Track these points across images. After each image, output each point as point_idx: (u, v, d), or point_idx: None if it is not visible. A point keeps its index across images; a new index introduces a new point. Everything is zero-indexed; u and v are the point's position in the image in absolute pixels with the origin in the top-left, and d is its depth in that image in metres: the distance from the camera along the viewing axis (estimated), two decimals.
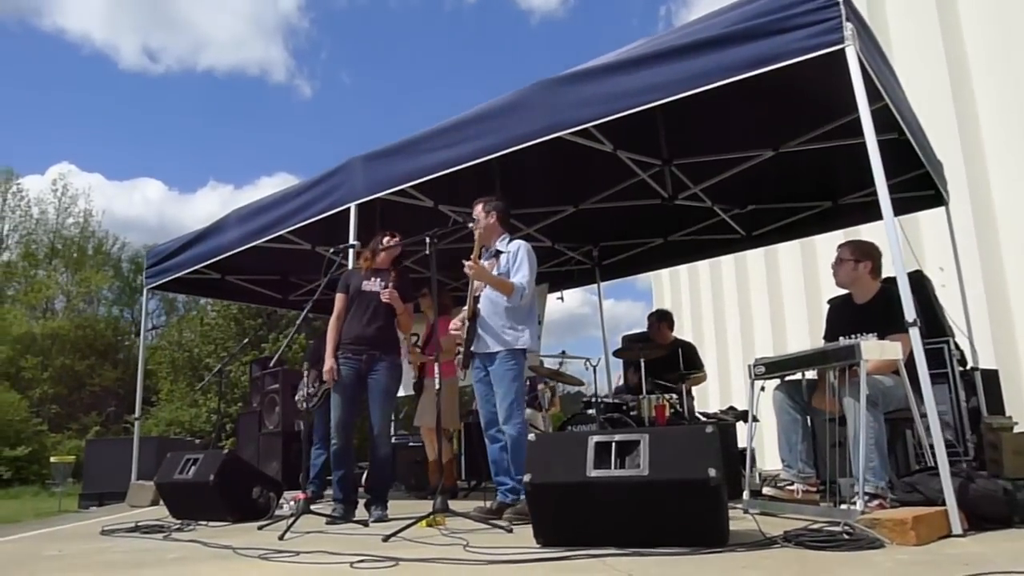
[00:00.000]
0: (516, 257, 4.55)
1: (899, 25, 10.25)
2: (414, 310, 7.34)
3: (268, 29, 52.39)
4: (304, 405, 6.50)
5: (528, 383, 7.09)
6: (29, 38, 43.19)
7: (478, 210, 4.74)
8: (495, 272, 4.57)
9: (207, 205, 47.86)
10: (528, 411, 6.34)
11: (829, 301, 4.78)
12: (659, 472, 3.01)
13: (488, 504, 4.49)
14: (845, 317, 4.40)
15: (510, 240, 4.70)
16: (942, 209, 6.31)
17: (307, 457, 5.57)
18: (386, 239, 5.06)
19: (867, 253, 4.40)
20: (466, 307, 4.61)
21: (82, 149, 49.92)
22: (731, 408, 7.05)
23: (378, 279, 4.98)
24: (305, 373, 5.72)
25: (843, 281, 4.47)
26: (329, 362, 4.88)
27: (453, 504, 4.45)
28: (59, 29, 49.05)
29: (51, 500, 11.85)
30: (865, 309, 4.33)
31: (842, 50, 3.56)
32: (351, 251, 5.32)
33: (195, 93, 50.41)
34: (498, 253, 4.67)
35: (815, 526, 3.16)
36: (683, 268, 15.11)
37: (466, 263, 4.36)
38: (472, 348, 4.59)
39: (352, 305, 4.98)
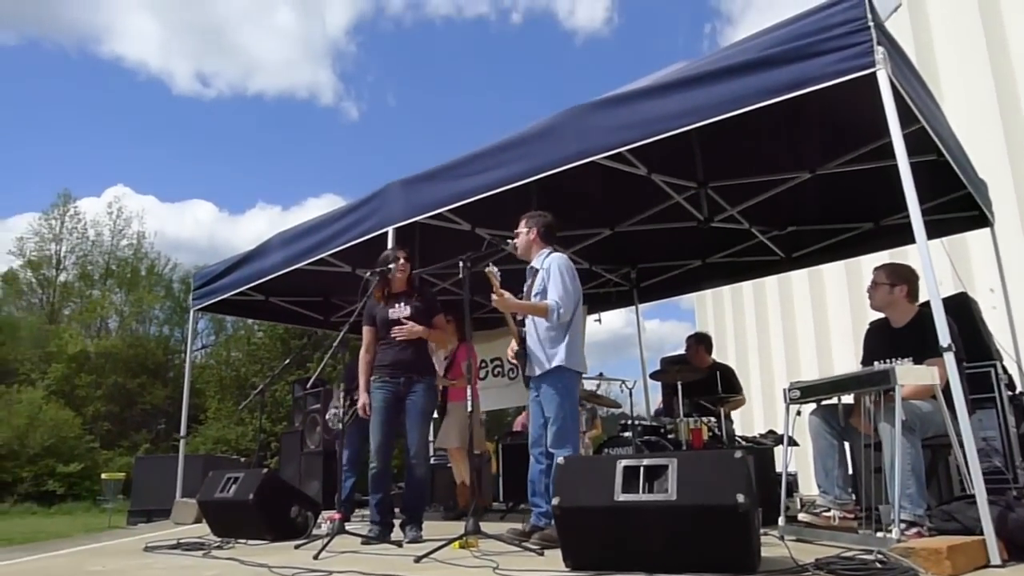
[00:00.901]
0: (549, 274, 4.45)
1: (944, 45, 10.12)
2: None
3: (317, 53, 53.68)
4: (334, 424, 6.61)
5: None
6: (88, 65, 45.00)
7: (520, 225, 4.71)
8: (533, 292, 4.53)
9: (256, 226, 48.98)
10: None
11: (870, 324, 4.71)
12: (687, 497, 3.00)
13: (523, 526, 4.50)
14: (882, 341, 4.33)
15: (547, 256, 4.59)
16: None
17: (347, 478, 5.65)
18: (401, 256, 5.07)
19: (903, 277, 4.33)
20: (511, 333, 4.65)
21: (137, 172, 51.61)
22: (771, 432, 6.96)
23: (402, 303, 5.02)
24: (339, 393, 5.80)
25: (879, 305, 4.41)
26: (363, 397, 4.94)
27: (490, 525, 4.47)
28: (117, 56, 51.09)
29: (101, 516, 12.19)
30: (902, 333, 4.26)
31: (873, 73, 3.55)
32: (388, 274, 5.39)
33: (245, 116, 51.83)
34: (535, 271, 4.60)
35: (848, 554, 3.11)
36: (726, 289, 15.00)
37: (493, 296, 4.31)
38: (527, 373, 4.58)
39: (382, 334, 5.01)
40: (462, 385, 6.12)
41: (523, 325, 4.59)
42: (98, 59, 45.85)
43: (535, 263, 4.64)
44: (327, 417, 6.88)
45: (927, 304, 4.11)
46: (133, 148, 48.35)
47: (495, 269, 4.26)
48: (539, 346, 4.46)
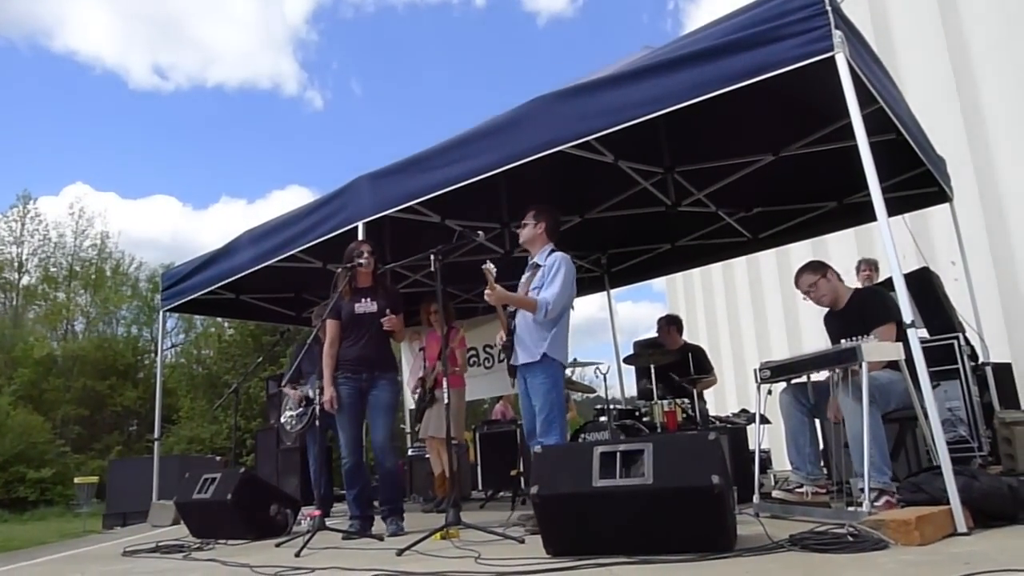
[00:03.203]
0: (551, 271, 4.55)
1: (901, 22, 10.25)
2: (418, 323, 7.44)
3: (278, 42, 52.83)
4: (291, 426, 6.58)
5: None
6: (40, 60, 43.80)
7: (528, 217, 4.78)
8: (532, 286, 4.61)
9: (220, 220, 48.27)
10: None
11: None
12: (663, 480, 3.06)
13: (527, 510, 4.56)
14: (834, 326, 4.51)
15: (550, 252, 4.68)
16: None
17: (318, 475, 5.66)
18: (365, 250, 5.07)
19: (822, 265, 4.59)
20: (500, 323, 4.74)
21: (96, 169, 50.51)
22: (743, 411, 7.08)
23: (368, 298, 5.05)
24: (289, 394, 5.79)
25: (832, 298, 4.58)
26: (329, 391, 4.91)
27: (470, 515, 4.50)
28: (70, 51, 49.73)
29: (76, 521, 12.06)
30: (844, 315, 4.46)
31: (832, 57, 3.61)
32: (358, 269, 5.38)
33: (206, 109, 50.93)
34: (537, 267, 4.69)
35: (821, 528, 3.19)
36: (696, 271, 15.09)
37: (487, 292, 4.40)
38: (512, 362, 4.68)
39: (347, 329, 5.02)
40: (452, 371, 6.16)
41: (513, 317, 4.67)
42: (51, 54, 44.68)
43: (538, 258, 4.73)
44: (282, 421, 6.84)
45: (885, 282, 4.25)
46: (91, 145, 47.47)
47: (492, 267, 4.32)
48: (528, 336, 4.55)
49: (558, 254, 4.64)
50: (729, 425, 6.24)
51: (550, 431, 4.38)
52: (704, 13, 52.46)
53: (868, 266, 7.39)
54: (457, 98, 58.14)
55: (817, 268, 4.57)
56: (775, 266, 13.21)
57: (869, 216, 6.49)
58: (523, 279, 4.75)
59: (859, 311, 4.28)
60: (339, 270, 5.06)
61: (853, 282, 6.21)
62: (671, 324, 7.20)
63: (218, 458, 13.06)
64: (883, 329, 3.90)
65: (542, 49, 59.97)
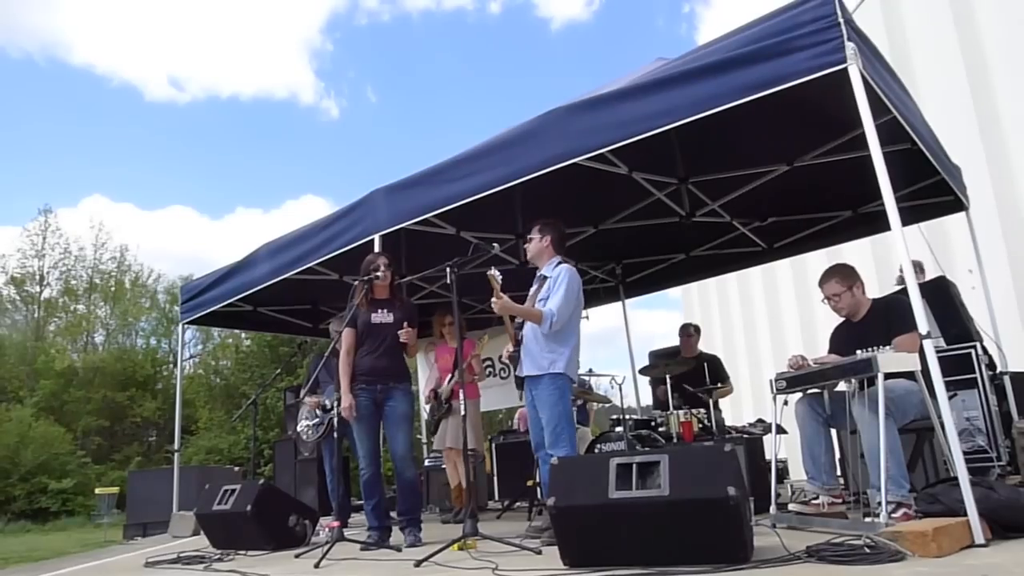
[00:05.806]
0: (556, 282, 4.60)
1: (915, 30, 10.24)
2: (428, 334, 7.47)
3: (294, 52, 52.90)
4: (308, 436, 6.64)
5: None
6: (58, 73, 43.93)
7: (533, 232, 4.85)
8: (539, 298, 4.65)
9: (237, 231, 48.33)
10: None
11: (837, 326, 4.80)
12: (679, 492, 3.07)
13: (541, 523, 4.57)
14: (847, 336, 4.46)
15: (557, 264, 4.75)
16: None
17: (339, 485, 5.69)
18: (382, 263, 5.12)
19: (854, 275, 4.53)
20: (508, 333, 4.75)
21: (113, 180, 50.12)
22: (760, 421, 7.08)
23: (385, 310, 5.11)
24: (305, 404, 5.84)
25: (851, 311, 4.53)
26: (347, 399, 4.96)
27: (486, 525, 4.52)
28: (88, 64, 49.95)
29: (96, 531, 12.16)
30: (863, 325, 4.42)
31: (845, 69, 3.63)
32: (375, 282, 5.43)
33: (221, 119, 51.09)
34: (544, 279, 4.73)
35: (837, 540, 3.19)
36: (711, 280, 15.07)
37: (493, 301, 4.42)
38: (517, 373, 4.70)
39: (363, 338, 5.08)
40: (469, 380, 6.19)
41: (521, 328, 4.68)
42: (68, 66, 44.71)
43: (545, 271, 4.78)
44: (298, 430, 6.90)
45: (900, 291, 4.23)
46: (108, 157, 47.35)
47: (497, 273, 4.36)
48: (536, 347, 4.56)
49: (564, 266, 4.71)
50: (745, 435, 6.23)
51: (558, 443, 4.38)
52: (718, 15, 52.60)
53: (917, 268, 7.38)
54: (472, 102, 58.21)
55: (846, 277, 4.51)
56: (791, 275, 13.19)
57: (884, 225, 6.44)
58: (531, 291, 4.80)
59: (884, 319, 4.24)
60: (356, 283, 5.11)
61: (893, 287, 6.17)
62: (695, 332, 7.31)
63: (236, 469, 13.13)
64: (908, 337, 3.87)
65: (557, 54, 60.10)
